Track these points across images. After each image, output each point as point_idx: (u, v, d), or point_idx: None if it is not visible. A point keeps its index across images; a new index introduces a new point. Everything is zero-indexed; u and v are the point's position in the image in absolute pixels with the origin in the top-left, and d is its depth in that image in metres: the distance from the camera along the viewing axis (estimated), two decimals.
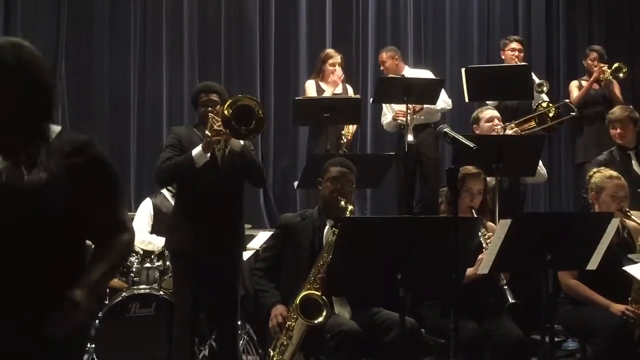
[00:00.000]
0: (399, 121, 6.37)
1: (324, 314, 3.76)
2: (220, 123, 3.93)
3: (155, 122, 7.38)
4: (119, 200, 2.06)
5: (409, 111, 6.11)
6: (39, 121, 1.99)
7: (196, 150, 4.01)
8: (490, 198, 4.50)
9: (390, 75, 6.59)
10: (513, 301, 3.75)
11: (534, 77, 6.38)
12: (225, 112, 3.88)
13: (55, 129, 2.05)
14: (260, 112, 3.93)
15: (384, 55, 6.77)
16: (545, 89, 6.45)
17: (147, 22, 7.40)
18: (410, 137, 6.15)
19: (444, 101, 6.47)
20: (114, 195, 2.03)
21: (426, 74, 6.62)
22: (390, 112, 6.53)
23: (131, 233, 2.10)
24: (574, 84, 7.02)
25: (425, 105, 6.30)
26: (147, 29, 7.42)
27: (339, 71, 6.45)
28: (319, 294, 3.77)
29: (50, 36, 7.20)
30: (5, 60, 1.96)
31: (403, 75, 6.62)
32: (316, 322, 3.75)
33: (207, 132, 3.99)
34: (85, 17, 7.35)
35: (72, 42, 7.27)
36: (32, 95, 1.98)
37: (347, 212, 3.90)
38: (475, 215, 4.07)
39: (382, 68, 6.77)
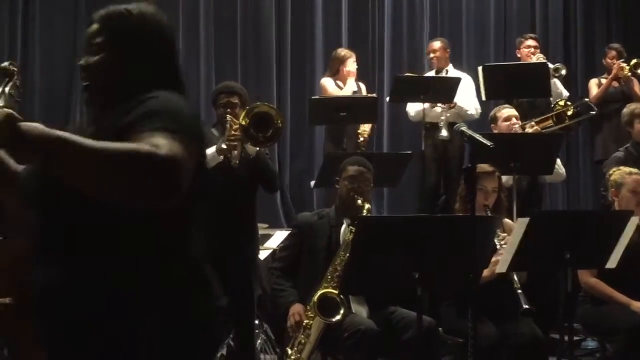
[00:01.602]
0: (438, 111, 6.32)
1: (342, 312, 3.76)
2: (237, 127, 3.96)
3: None
4: None
5: (444, 107, 6.15)
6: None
7: (210, 151, 4.03)
8: (507, 197, 4.48)
9: (407, 74, 6.57)
10: (527, 307, 3.72)
11: (549, 63, 6.33)
12: (243, 121, 3.92)
13: None
14: (279, 121, 3.95)
15: (435, 45, 6.73)
16: (563, 72, 6.39)
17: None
18: (444, 133, 6.18)
19: (475, 108, 6.45)
20: None
21: (466, 77, 6.54)
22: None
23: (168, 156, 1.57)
24: (593, 82, 6.98)
25: (458, 104, 6.30)
26: None
27: (353, 66, 6.44)
28: (336, 292, 3.77)
29: (67, 34, 7.27)
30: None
31: (447, 70, 6.62)
32: (334, 320, 3.75)
33: (224, 137, 4.02)
34: None
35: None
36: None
37: (364, 211, 3.90)
38: (490, 214, 4.06)
39: (431, 57, 6.73)
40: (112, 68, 1.80)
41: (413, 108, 6.45)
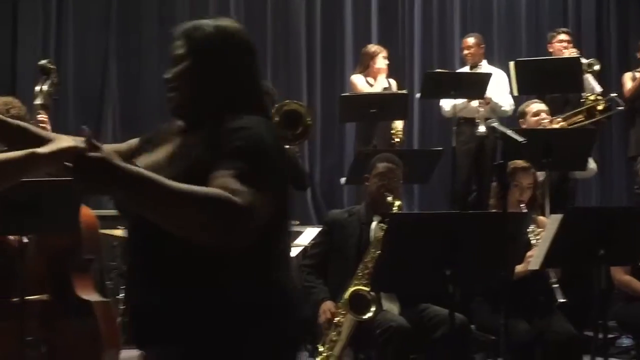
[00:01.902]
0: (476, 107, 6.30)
1: (373, 309, 3.77)
2: None
3: None
4: None
5: (480, 102, 6.13)
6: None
7: None
8: (540, 193, 4.45)
9: (438, 70, 6.54)
10: (563, 300, 3.69)
11: (582, 58, 6.26)
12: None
13: None
14: (309, 119, 3.96)
15: (470, 41, 6.71)
16: (596, 67, 6.30)
17: (193, 19, 7.48)
18: (482, 128, 6.16)
19: (509, 104, 6.41)
20: None
21: (499, 73, 6.51)
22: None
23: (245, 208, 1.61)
24: (627, 76, 6.88)
25: (493, 100, 6.28)
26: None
27: (383, 62, 6.43)
28: (367, 289, 3.77)
29: (100, 39, 7.35)
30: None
31: (480, 66, 6.59)
32: (365, 317, 3.76)
33: None
34: (134, 19, 7.47)
35: (121, 45, 7.39)
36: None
37: (395, 208, 3.90)
38: (525, 211, 4.03)
39: (465, 53, 6.71)
40: (193, 79, 1.82)
41: (447, 103, 6.42)
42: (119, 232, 5.20)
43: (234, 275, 1.71)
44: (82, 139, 1.55)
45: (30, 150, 1.61)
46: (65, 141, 1.63)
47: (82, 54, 7.35)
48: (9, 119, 1.91)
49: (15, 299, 3.59)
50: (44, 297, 3.78)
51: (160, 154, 1.82)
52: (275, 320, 1.75)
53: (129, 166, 1.55)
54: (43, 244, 3.80)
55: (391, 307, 3.91)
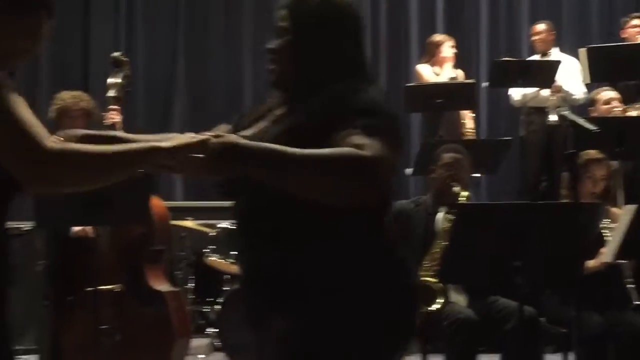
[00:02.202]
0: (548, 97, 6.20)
1: (440, 301, 3.75)
2: None
3: None
4: None
5: (551, 90, 6.03)
6: None
7: None
8: (613, 184, 4.34)
9: (505, 59, 6.44)
10: (638, 303, 3.60)
11: None
12: None
13: None
14: None
15: (539, 28, 6.60)
16: None
17: (260, 12, 7.58)
18: (553, 117, 6.07)
19: (582, 92, 6.28)
20: None
21: (571, 60, 6.38)
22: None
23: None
24: None
25: (564, 88, 6.16)
26: (259, 20, 7.58)
27: (450, 51, 6.36)
28: (434, 280, 3.76)
29: (169, 33, 7.48)
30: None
31: (550, 53, 6.48)
32: (431, 309, 3.74)
33: None
34: (202, 12, 7.58)
35: (189, 39, 7.51)
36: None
37: (463, 198, 3.87)
38: (598, 202, 3.94)
39: (534, 40, 6.61)
40: (296, 52, 1.82)
41: (517, 92, 6.32)
42: (188, 223, 5.30)
43: (357, 239, 1.73)
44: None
45: (153, 143, 1.64)
46: (183, 138, 1.66)
47: (151, 47, 7.50)
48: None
49: (90, 289, 3.70)
50: (117, 287, 3.88)
51: (259, 127, 1.83)
52: (396, 281, 1.77)
53: (256, 143, 1.59)
54: (116, 235, 3.90)
55: (459, 299, 3.89)
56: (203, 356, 4.89)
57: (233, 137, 1.59)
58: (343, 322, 1.71)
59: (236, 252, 1.96)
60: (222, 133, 1.62)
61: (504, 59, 6.46)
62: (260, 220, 1.76)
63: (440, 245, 3.78)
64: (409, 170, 5.79)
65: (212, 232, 5.09)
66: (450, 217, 3.69)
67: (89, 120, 4.43)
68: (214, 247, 5.00)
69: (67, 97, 4.41)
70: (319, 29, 1.81)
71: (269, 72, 1.87)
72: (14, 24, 1.68)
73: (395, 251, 1.81)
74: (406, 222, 4.04)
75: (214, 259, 4.99)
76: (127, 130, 5.00)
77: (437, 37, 6.55)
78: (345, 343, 1.72)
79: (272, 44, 1.86)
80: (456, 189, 3.91)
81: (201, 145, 1.58)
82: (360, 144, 1.59)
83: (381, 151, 1.59)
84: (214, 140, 1.57)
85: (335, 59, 1.80)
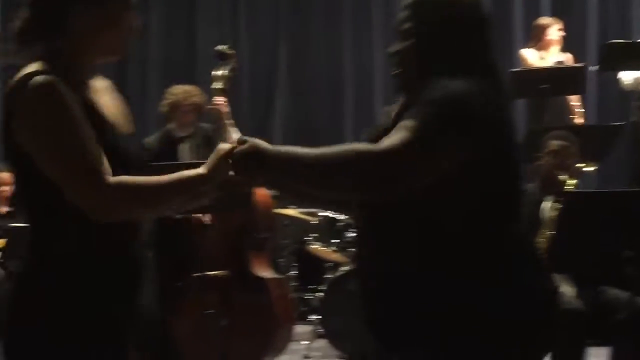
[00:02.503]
0: None
1: None
2: None
3: (369, 103, 7.51)
4: None
5: None
6: None
7: None
8: None
9: (616, 40, 6.18)
10: None
11: None
12: None
13: None
14: None
15: None
16: None
17: (361, 5, 7.57)
18: None
19: None
20: None
21: None
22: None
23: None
24: None
25: None
26: (360, 13, 7.58)
27: (556, 34, 6.17)
28: None
29: (271, 23, 7.58)
30: None
31: None
32: None
33: None
34: (304, 3, 7.65)
35: (291, 29, 7.59)
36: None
37: (571, 186, 3.77)
38: None
39: None
40: (417, 55, 1.79)
41: (629, 76, 6.07)
42: (291, 211, 5.38)
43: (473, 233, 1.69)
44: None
45: (194, 171, 1.68)
46: (216, 151, 1.69)
47: (253, 41, 7.62)
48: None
49: (197, 274, 3.81)
50: (223, 273, 3.98)
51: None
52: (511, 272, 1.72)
53: (276, 147, 1.63)
54: (222, 223, 4.00)
55: (566, 289, 3.79)
56: (306, 342, 4.95)
57: (254, 143, 1.63)
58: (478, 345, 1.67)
59: (354, 260, 1.94)
60: (247, 138, 1.65)
61: (614, 40, 6.22)
62: (383, 234, 1.74)
63: (546, 234, 3.70)
64: None
65: (314, 221, 5.16)
66: (557, 206, 3.60)
67: (199, 114, 4.56)
68: (316, 235, 5.06)
69: (178, 91, 4.55)
70: (440, 33, 1.77)
71: (393, 76, 1.85)
72: (95, 17, 1.68)
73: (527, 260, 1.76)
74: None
75: (316, 247, 5.05)
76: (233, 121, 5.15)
77: (544, 20, 6.37)
78: None
79: (395, 46, 1.83)
80: (563, 177, 3.81)
81: (228, 155, 1.65)
82: (389, 137, 1.60)
83: (401, 145, 1.58)
84: (239, 147, 1.63)
85: (457, 63, 1.75)
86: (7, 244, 4.86)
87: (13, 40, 1.71)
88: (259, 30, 7.63)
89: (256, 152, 1.62)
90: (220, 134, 3.88)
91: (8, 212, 5.40)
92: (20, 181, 1.69)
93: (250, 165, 1.62)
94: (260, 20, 7.62)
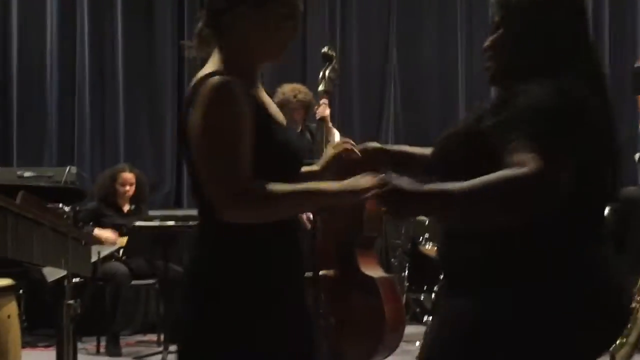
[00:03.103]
0: None
1: None
2: None
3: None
4: None
5: None
6: None
7: None
8: None
9: None
10: None
11: None
12: None
13: None
14: None
15: None
16: None
17: (474, 6, 7.45)
18: None
19: None
20: None
21: None
22: None
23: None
24: None
25: None
26: (473, 14, 7.47)
27: None
28: None
29: (382, 29, 7.57)
30: None
31: None
32: None
33: None
34: (413, 2, 7.61)
35: (402, 28, 7.56)
36: None
37: None
38: None
39: None
40: (507, 46, 1.75)
41: None
42: None
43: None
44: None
45: (329, 187, 1.72)
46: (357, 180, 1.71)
47: (364, 42, 7.64)
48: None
49: (309, 274, 3.87)
50: (332, 272, 4.01)
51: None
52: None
53: (418, 186, 1.59)
54: (329, 223, 4.03)
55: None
56: (419, 343, 4.89)
57: (396, 186, 1.59)
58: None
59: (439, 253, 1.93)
60: (390, 179, 1.62)
61: None
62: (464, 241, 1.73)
63: None
64: (637, 155, 5.44)
65: (426, 220, 5.10)
66: None
67: (307, 113, 4.64)
68: (429, 235, 5.01)
69: (287, 89, 4.66)
70: (530, 23, 1.71)
71: (485, 69, 1.81)
72: (261, 19, 1.76)
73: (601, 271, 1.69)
74: (634, 210, 3.81)
75: (429, 247, 5.00)
76: (342, 124, 5.19)
77: None
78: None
79: (487, 41, 1.80)
80: None
81: (369, 189, 1.64)
82: (519, 161, 1.53)
83: (540, 165, 1.52)
84: (382, 189, 1.60)
85: (549, 53, 1.70)
86: (129, 242, 5.09)
87: (196, 36, 1.83)
88: (370, 30, 7.64)
89: (399, 193, 1.59)
90: (322, 136, 3.92)
91: (130, 211, 5.65)
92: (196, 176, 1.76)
93: (394, 206, 1.62)
94: (370, 19, 7.62)
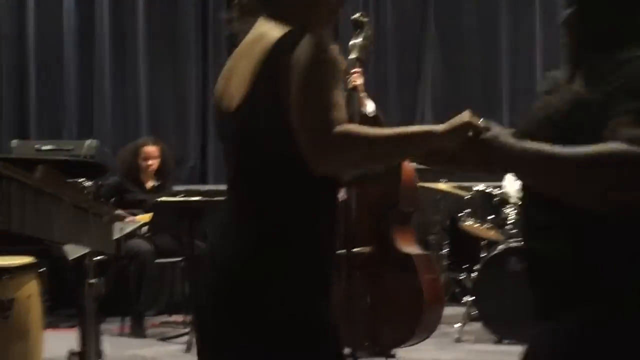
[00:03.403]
0: None
1: None
2: None
3: (527, 72, 7.29)
4: None
5: None
6: None
7: None
8: None
9: None
10: None
11: None
12: None
13: None
14: None
15: None
16: None
17: None
18: None
19: None
20: None
21: None
22: None
23: None
24: None
25: None
26: None
27: None
28: None
29: None
30: None
31: None
32: None
33: None
34: None
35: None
36: None
37: None
38: None
39: None
40: (580, 21, 1.73)
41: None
42: (442, 185, 5.32)
43: None
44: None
45: (428, 127, 1.65)
46: (462, 117, 1.63)
47: (400, 4, 7.57)
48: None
49: (342, 251, 3.87)
50: (367, 249, 4.01)
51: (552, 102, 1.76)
52: None
53: (522, 144, 1.55)
54: (363, 198, 4.02)
55: None
56: (458, 325, 4.92)
57: (497, 136, 1.56)
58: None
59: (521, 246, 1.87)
60: (492, 126, 1.58)
61: None
62: (551, 234, 1.69)
63: None
64: None
65: (467, 195, 5.07)
66: None
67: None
68: (470, 210, 4.98)
69: None
70: None
71: (561, 47, 1.78)
72: None
73: None
74: None
75: (469, 224, 4.97)
76: (376, 94, 5.15)
77: None
78: None
79: (562, 16, 1.76)
80: None
81: (467, 128, 1.57)
82: (633, 136, 1.47)
83: None
84: (484, 133, 1.56)
85: (623, 25, 1.68)
86: (153, 217, 5.12)
87: (237, 8, 1.84)
88: (407, 3, 7.57)
89: (501, 143, 1.56)
90: (354, 107, 3.90)
91: (155, 187, 5.68)
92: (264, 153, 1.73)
93: (491, 156, 1.57)
94: None
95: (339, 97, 1.64)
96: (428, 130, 1.63)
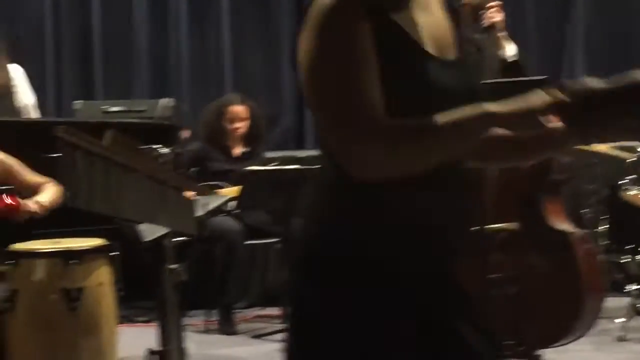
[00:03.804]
0: None
1: None
2: None
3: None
4: None
5: None
6: None
7: None
8: None
9: None
10: None
11: None
12: None
13: None
14: None
15: None
16: None
17: None
18: None
19: None
20: None
21: None
22: None
23: None
24: None
25: None
26: None
27: None
28: None
29: None
30: None
31: None
32: None
33: None
34: None
35: None
36: None
37: None
38: None
39: None
40: None
41: None
42: (599, 146, 5.17)
43: None
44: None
45: (482, 108, 1.59)
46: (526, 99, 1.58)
47: None
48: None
49: (474, 229, 3.78)
50: (510, 226, 3.94)
51: None
52: None
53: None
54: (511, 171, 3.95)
55: None
56: (622, 320, 4.82)
57: (589, 89, 1.50)
58: None
59: None
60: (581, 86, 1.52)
61: None
62: None
63: None
64: None
65: (631, 158, 4.93)
66: None
67: (475, 20, 4.58)
68: (634, 177, 4.87)
69: None
70: None
71: None
72: None
73: None
74: None
75: (633, 194, 4.86)
76: (515, 32, 5.05)
77: None
78: None
79: None
80: None
81: (556, 107, 1.51)
82: None
83: None
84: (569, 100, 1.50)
85: None
86: (243, 191, 5.12)
87: None
88: None
89: (591, 108, 1.51)
90: (492, 49, 3.84)
91: (243, 154, 5.71)
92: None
93: (581, 122, 1.54)
94: None
95: (363, 74, 1.58)
96: (484, 112, 1.57)
